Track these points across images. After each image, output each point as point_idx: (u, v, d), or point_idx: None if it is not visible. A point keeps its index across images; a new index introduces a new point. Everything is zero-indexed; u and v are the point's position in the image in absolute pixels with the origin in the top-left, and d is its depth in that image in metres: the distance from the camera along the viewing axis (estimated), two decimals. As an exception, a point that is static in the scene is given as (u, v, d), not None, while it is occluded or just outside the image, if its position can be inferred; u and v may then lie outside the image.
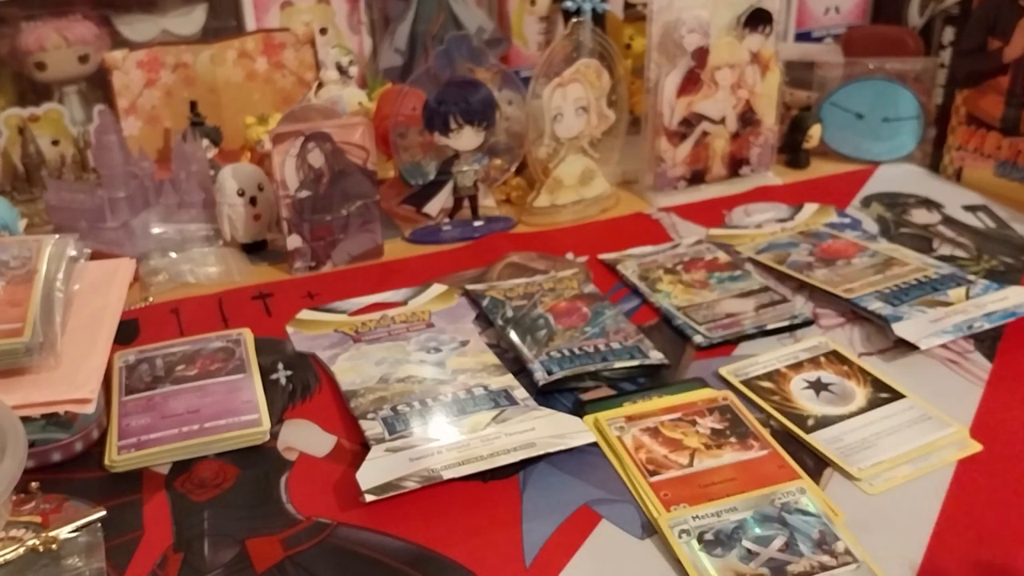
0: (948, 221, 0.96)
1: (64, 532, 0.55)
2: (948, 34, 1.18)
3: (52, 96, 1.07)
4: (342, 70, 1.09)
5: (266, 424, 0.65)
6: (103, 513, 0.57)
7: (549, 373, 0.70)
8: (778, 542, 0.54)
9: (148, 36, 1.10)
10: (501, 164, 0.98)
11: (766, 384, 0.69)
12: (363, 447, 0.63)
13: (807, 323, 0.78)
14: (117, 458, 0.62)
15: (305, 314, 0.81)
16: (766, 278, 0.85)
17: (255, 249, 0.93)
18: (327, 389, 0.71)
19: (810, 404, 0.67)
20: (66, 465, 0.63)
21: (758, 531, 0.55)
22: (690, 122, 1.02)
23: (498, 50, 1.18)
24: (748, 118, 1.05)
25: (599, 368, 0.70)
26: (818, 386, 0.69)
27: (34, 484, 0.59)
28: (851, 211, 0.99)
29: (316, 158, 0.86)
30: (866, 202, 1.02)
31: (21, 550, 0.54)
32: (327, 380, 0.72)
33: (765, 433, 0.64)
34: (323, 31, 1.16)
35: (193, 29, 1.12)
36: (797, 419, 0.65)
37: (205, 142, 0.98)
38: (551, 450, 0.61)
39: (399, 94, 0.95)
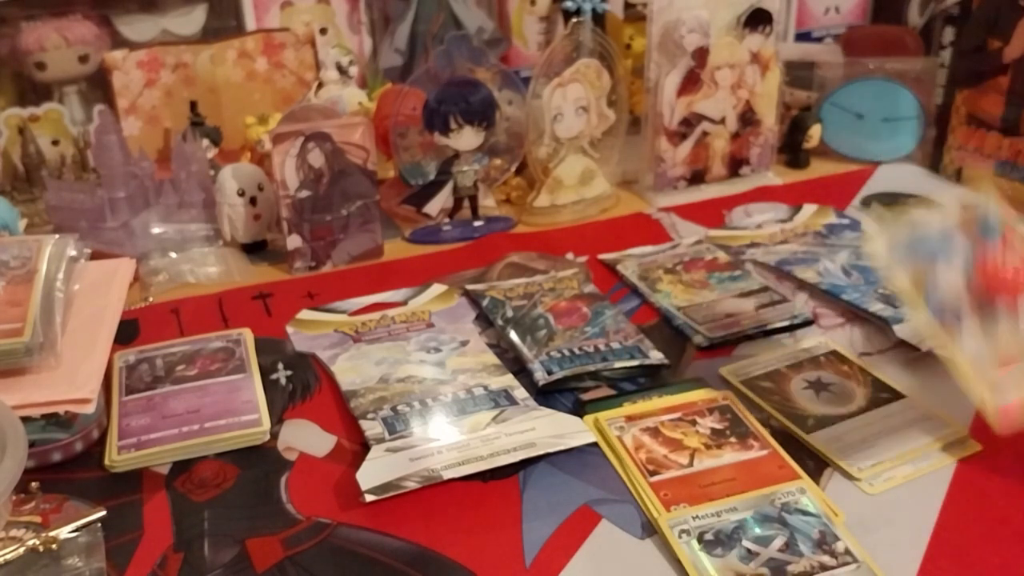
0: (948, 221, 0.96)
1: (64, 532, 0.55)
2: (948, 34, 1.18)
3: (52, 96, 1.07)
4: (342, 70, 1.09)
5: (266, 424, 0.65)
6: (103, 513, 0.57)
7: (549, 373, 0.70)
8: (778, 542, 0.54)
9: (148, 36, 1.10)
10: (501, 164, 0.98)
11: (766, 384, 0.69)
12: (363, 447, 0.63)
13: (807, 323, 0.78)
14: (117, 458, 0.62)
15: (305, 314, 0.81)
16: (766, 278, 0.85)
17: (255, 249, 0.93)
18: (327, 389, 0.71)
19: (810, 404, 0.67)
20: (66, 465, 0.63)
21: (758, 531, 0.55)
22: (690, 122, 1.02)
23: (498, 50, 1.18)
24: (748, 118, 1.05)
25: (599, 368, 0.70)
26: (818, 386, 0.69)
27: (34, 484, 0.59)
28: (851, 211, 0.99)
29: (316, 158, 0.86)
30: (866, 202, 1.02)
31: (21, 550, 0.54)
32: (327, 380, 0.72)
33: (765, 433, 0.64)
34: (323, 31, 1.16)
35: (193, 29, 1.12)
36: (797, 419, 0.65)
37: (205, 142, 0.98)
38: (551, 450, 0.61)
39: (399, 94, 0.95)
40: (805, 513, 0.56)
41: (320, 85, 1.08)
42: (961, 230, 0.58)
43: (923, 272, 0.56)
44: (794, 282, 0.84)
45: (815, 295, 0.82)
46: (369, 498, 0.57)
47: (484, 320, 0.79)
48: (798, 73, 1.14)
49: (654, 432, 0.64)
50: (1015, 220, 0.60)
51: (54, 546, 0.55)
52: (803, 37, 1.33)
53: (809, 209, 0.98)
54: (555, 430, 0.63)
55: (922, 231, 0.59)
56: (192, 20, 1.12)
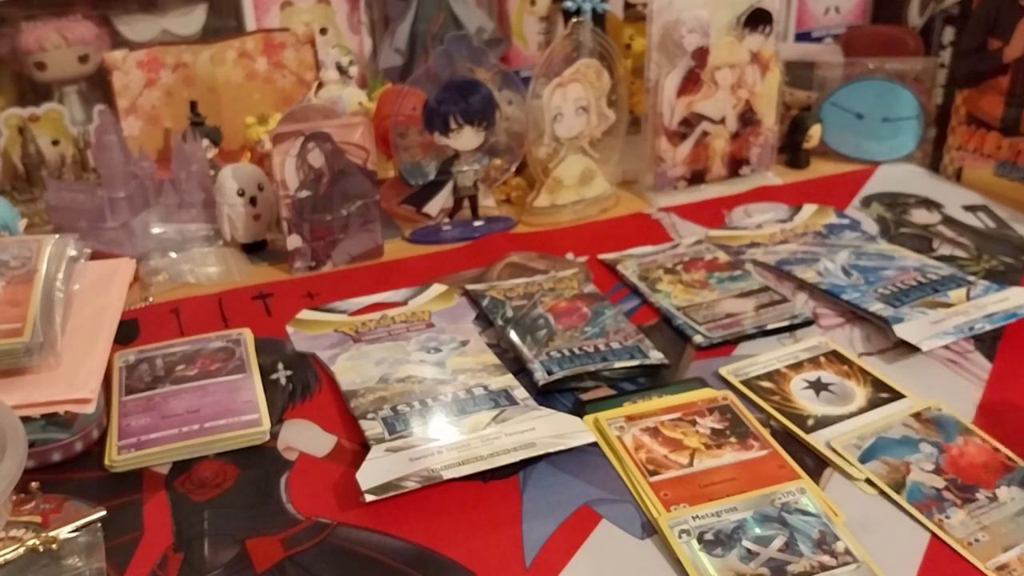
0: (948, 221, 0.96)
1: (64, 532, 0.55)
2: (948, 34, 1.18)
3: (52, 96, 1.07)
4: (342, 70, 1.09)
5: (266, 424, 0.65)
6: (103, 513, 0.57)
7: (549, 373, 0.70)
8: (778, 542, 0.54)
9: (148, 36, 1.10)
10: (501, 164, 0.98)
11: (766, 384, 0.69)
12: (363, 447, 0.63)
13: (807, 323, 0.78)
14: (117, 458, 0.62)
15: (305, 314, 0.81)
16: (766, 278, 0.85)
17: (255, 249, 0.93)
18: (327, 389, 0.71)
19: (810, 404, 0.67)
20: (66, 465, 0.63)
21: (758, 531, 0.55)
22: (690, 122, 1.02)
23: (498, 50, 1.18)
24: (748, 118, 1.05)
25: (599, 368, 0.70)
26: (818, 386, 0.69)
27: (34, 484, 0.59)
28: (851, 211, 0.99)
29: (316, 158, 0.86)
30: (866, 202, 1.02)
31: (21, 550, 0.54)
32: (327, 380, 0.72)
33: (765, 433, 0.64)
34: (323, 31, 1.16)
35: (193, 29, 1.12)
36: (797, 419, 0.65)
37: (205, 142, 0.98)
38: (551, 450, 0.61)
39: (399, 94, 0.95)
40: (805, 513, 0.56)
41: (320, 85, 1.07)
42: (920, 432, 0.63)
43: (897, 468, 0.60)
44: (794, 282, 0.84)
45: (815, 295, 0.82)
46: (369, 498, 0.57)
47: (484, 320, 0.79)
48: (798, 73, 1.14)
49: (654, 432, 0.64)
50: (969, 422, 0.64)
51: (54, 546, 0.55)
52: (803, 37, 1.33)
53: (809, 209, 0.98)
54: (555, 430, 0.63)
55: (884, 434, 0.63)
56: (192, 20, 1.12)
